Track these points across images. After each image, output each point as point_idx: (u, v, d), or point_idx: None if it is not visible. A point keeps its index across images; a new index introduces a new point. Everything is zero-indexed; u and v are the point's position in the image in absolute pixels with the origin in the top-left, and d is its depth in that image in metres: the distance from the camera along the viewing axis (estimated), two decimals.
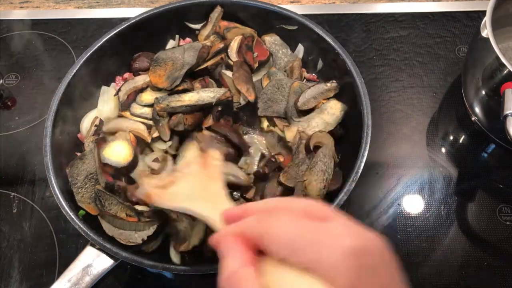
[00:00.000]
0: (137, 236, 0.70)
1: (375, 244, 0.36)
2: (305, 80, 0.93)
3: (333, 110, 0.83)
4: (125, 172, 0.78)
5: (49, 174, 0.73)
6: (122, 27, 0.89)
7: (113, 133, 0.82)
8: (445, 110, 0.98)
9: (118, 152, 0.78)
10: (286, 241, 0.36)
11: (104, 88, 0.90)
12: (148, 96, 0.85)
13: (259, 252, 0.39)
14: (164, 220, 0.72)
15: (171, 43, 0.98)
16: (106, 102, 0.88)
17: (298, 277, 0.35)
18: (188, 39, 0.99)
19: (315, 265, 0.34)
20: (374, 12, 1.13)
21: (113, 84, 0.93)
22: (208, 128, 0.80)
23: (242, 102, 0.81)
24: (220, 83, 0.87)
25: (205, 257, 0.73)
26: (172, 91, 0.83)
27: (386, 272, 0.35)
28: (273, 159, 0.78)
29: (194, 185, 0.59)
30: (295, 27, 0.91)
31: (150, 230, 0.70)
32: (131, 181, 0.78)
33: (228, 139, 0.78)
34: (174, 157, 0.80)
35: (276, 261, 0.37)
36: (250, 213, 0.42)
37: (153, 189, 0.62)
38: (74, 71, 0.84)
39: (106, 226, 0.72)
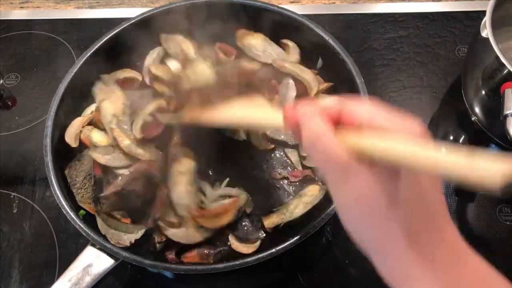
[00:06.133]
0: (126, 238, 0.70)
1: None
2: None
3: (312, 193, 0.78)
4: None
5: (49, 174, 0.73)
6: (122, 27, 0.89)
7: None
8: (445, 110, 0.98)
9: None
10: (366, 109, 0.41)
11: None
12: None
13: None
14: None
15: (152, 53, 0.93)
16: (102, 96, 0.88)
17: (374, 135, 0.39)
18: None
19: (394, 127, 0.39)
20: (374, 12, 1.13)
21: None
22: None
23: None
24: None
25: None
26: None
27: None
28: None
29: (241, 105, 0.59)
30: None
31: (138, 234, 0.71)
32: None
33: None
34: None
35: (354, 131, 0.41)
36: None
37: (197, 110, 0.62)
38: (74, 71, 0.84)
39: (100, 224, 0.72)
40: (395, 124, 0.39)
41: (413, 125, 0.39)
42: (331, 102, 0.43)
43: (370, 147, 0.38)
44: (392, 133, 0.38)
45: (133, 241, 0.70)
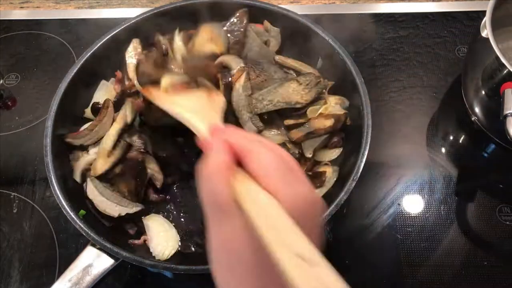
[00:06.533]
0: (117, 209, 0.72)
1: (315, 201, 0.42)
2: None
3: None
4: None
5: (49, 174, 0.73)
6: (122, 27, 0.89)
7: None
8: (445, 110, 0.98)
9: None
10: (265, 165, 0.41)
11: (103, 82, 0.91)
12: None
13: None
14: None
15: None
16: (102, 96, 0.90)
17: (261, 191, 0.39)
18: None
19: (277, 190, 0.39)
20: (374, 12, 1.13)
21: (112, 79, 0.93)
22: None
23: None
24: None
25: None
26: None
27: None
28: None
29: (195, 104, 0.62)
30: None
31: (132, 209, 0.72)
32: None
33: None
34: None
35: (247, 175, 0.41)
36: (237, 134, 0.46)
37: (156, 89, 0.67)
38: (74, 71, 0.84)
39: (90, 189, 0.74)
40: (283, 191, 0.38)
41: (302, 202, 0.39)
42: (241, 140, 0.43)
43: (249, 202, 0.38)
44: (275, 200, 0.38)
45: (122, 214, 0.71)
